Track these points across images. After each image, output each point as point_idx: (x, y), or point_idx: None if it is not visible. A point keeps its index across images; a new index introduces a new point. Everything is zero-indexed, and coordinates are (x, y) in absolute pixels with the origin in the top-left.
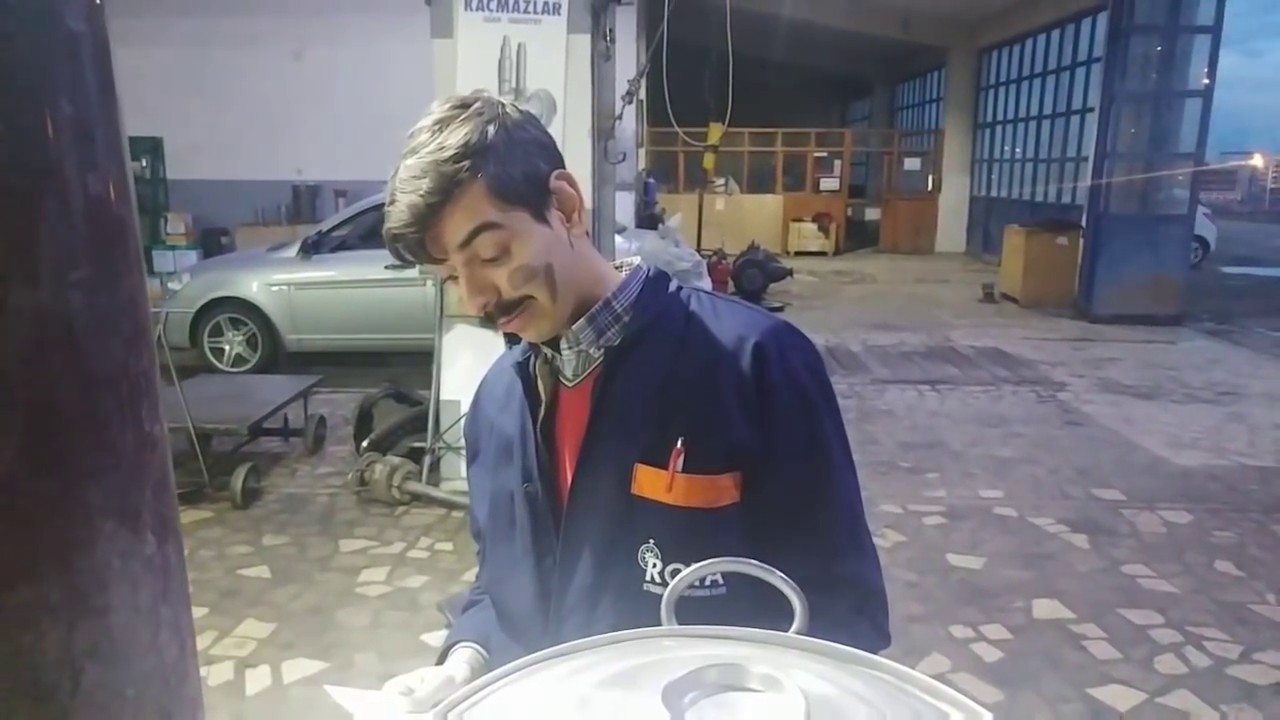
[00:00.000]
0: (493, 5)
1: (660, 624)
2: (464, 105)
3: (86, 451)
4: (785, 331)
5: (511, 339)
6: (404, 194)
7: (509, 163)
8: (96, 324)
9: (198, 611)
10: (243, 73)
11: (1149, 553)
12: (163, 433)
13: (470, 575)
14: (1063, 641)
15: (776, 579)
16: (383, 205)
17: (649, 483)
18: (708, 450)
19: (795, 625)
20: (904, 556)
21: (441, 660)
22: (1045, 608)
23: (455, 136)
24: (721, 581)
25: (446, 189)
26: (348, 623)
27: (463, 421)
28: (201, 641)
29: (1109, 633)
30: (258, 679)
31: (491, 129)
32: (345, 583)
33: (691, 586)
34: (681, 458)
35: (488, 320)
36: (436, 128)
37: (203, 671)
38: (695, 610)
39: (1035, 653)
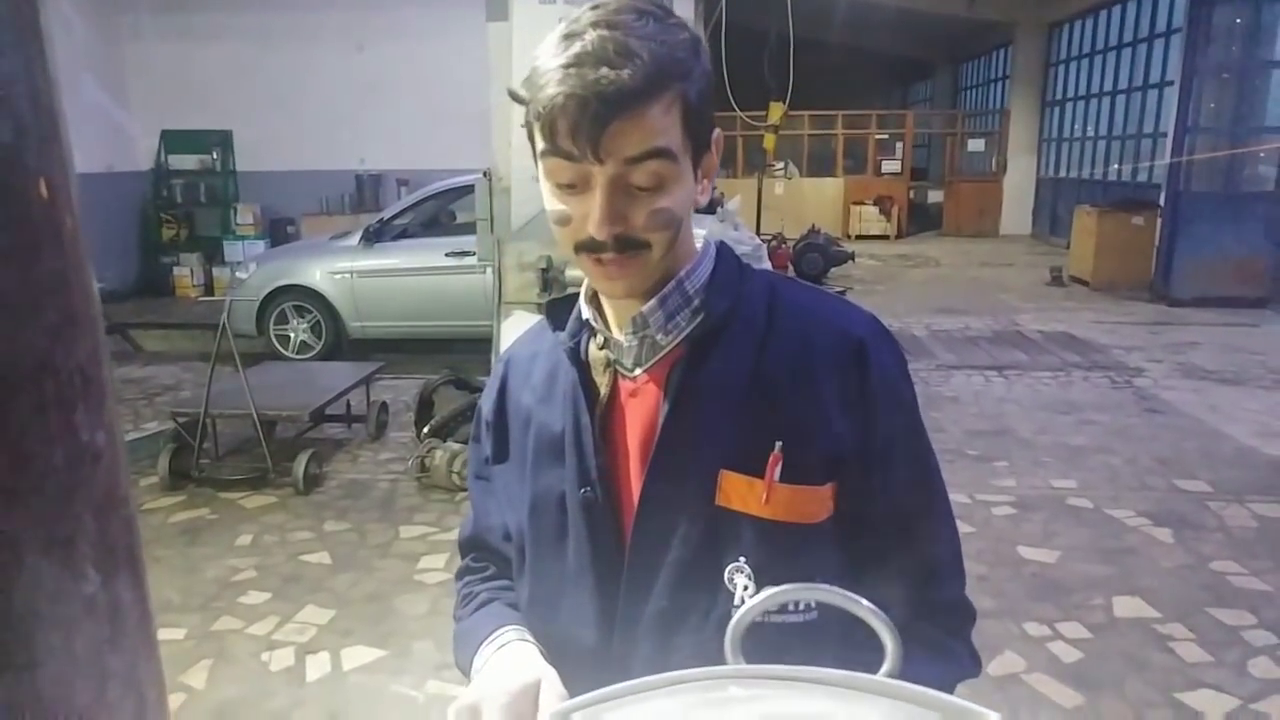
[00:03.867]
0: None
1: (738, 657)
2: (664, 8)
3: None
4: (881, 328)
5: (556, 317)
6: (596, 61)
7: (706, 92)
8: (3, 310)
9: (260, 596)
10: (308, 66)
11: (1239, 548)
12: (110, 442)
13: None
14: (1147, 642)
15: (864, 610)
16: (441, 192)
17: (738, 493)
18: (808, 457)
19: (886, 667)
20: (973, 548)
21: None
22: (1127, 605)
23: (673, 33)
24: (814, 605)
25: (655, 80)
26: (406, 610)
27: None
28: (264, 627)
29: (1198, 634)
30: (318, 666)
31: (703, 47)
32: (404, 569)
33: (782, 610)
34: (779, 465)
35: (595, 249)
36: (642, 20)
37: (265, 657)
38: (785, 638)
39: (1118, 654)
